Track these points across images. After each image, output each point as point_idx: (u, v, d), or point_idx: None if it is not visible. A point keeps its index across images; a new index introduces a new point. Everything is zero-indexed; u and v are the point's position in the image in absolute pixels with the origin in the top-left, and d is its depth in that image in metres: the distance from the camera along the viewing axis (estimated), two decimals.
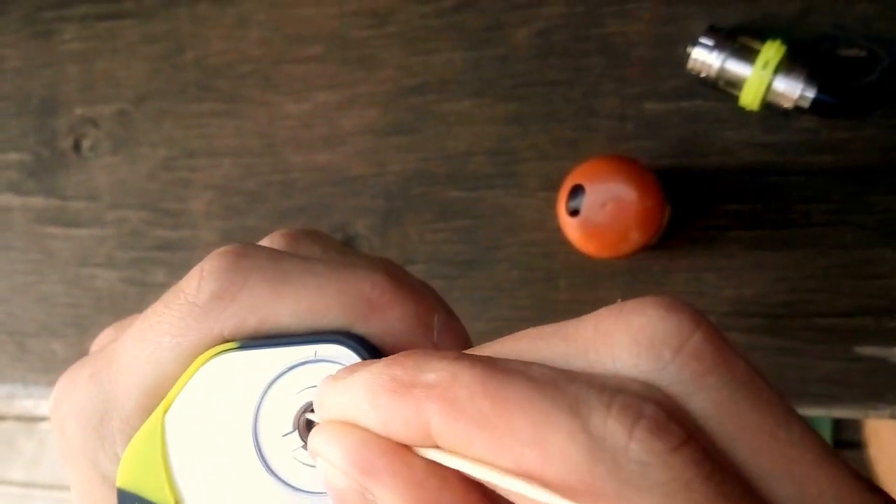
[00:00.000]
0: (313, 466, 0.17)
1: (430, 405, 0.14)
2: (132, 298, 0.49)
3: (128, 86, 0.50)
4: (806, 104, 0.38)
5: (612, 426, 0.13)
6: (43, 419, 1.41)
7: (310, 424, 0.17)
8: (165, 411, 0.18)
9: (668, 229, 0.40)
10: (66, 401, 0.20)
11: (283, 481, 0.17)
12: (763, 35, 0.39)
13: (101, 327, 0.51)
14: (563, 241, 0.39)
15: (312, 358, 0.17)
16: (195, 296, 0.18)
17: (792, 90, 0.38)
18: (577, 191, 0.36)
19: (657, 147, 0.42)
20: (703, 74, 0.39)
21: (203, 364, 0.18)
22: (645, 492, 0.13)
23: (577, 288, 0.44)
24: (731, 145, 0.41)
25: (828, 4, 0.40)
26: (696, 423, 0.14)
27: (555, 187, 0.40)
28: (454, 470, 0.15)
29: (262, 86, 0.47)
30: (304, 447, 0.17)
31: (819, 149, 0.40)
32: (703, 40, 0.39)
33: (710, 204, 0.42)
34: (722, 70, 0.39)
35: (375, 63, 0.46)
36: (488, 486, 0.14)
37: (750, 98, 0.38)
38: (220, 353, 0.18)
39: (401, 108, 0.46)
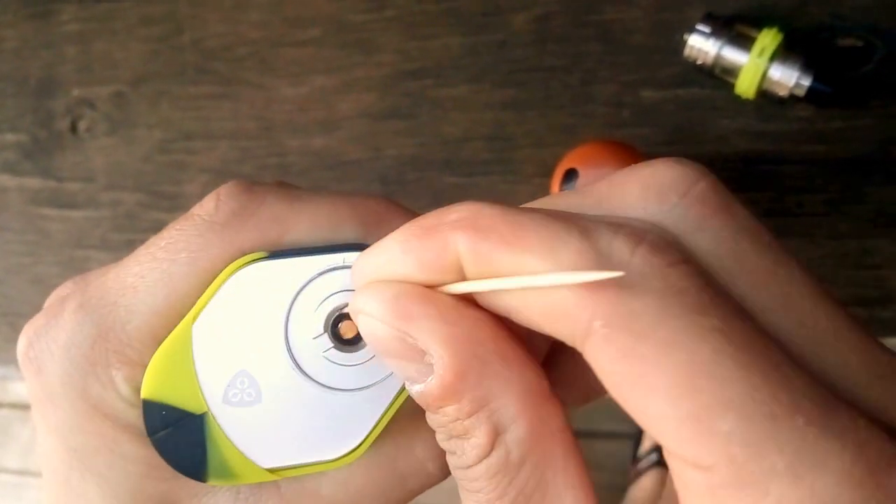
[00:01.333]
0: (344, 366, 0.18)
1: (456, 235, 0.15)
2: None
3: (125, 67, 0.50)
4: (801, 93, 0.38)
5: (617, 245, 0.14)
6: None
7: (338, 326, 0.18)
8: (193, 320, 0.18)
9: None
10: (44, 336, 0.19)
11: (315, 381, 0.18)
12: (760, 23, 0.39)
13: None
14: None
15: (340, 264, 0.18)
16: (214, 214, 0.19)
17: (788, 78, 0.38)
18: (570, 175, 0.36)
19: (653, 134, 0.42)
20: (699, 62, 0.39)
21: (232, 273, 0.18)
22: (642, 296, 0.14)
23: None
24: (727, 133, 0.41)
25: None
26: (698, 257, 0.15)
27: (551, 174, 0.40)
28: (484, 310, 0.16)
29: (259, 69, 0.47)
30: (335, 349, 0.18)
31: (814, 138, 0.40)
32: (699, 27, 0.39)
33: None
34: (718, 57, 0.39)
35: (373, 47, 0.46)
36: (513, 315, 0.16)
37: (746, 86, 0.38)
38: (249, 262, 0.18)
39: (398, 93, 0.45)
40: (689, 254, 0.15)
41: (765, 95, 0.39)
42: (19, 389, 1.41)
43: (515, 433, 0.16)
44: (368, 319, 0.16)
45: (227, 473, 0.17)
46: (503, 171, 0.44)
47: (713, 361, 0.13)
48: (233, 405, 0.18)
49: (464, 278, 0.16)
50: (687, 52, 0.39)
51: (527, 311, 0.15)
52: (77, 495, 0.19)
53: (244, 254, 0.18)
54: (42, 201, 0.51)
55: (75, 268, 0.51)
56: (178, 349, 0.18)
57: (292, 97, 0.47)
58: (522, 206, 0.17)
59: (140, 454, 0.18)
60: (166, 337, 0.18)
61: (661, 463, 1.10)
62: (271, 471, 0.18)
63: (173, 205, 0.49)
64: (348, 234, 0.19)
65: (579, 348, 0.14)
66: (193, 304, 0.18)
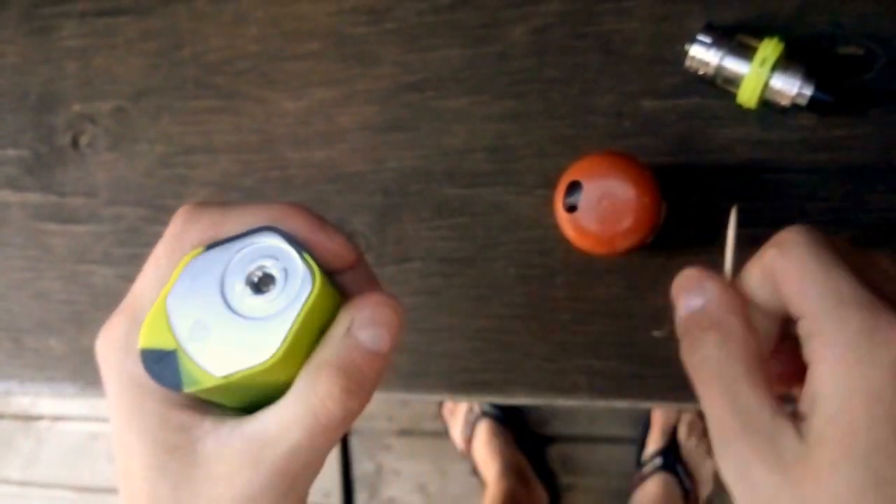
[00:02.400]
0: (259, 304, 0.26)
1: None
2: None
3: (126, 82, 0.50)
4: (803, 102, 0.38)
5: None
6: (40, 418, 1.41)
7: (259, 282, 0.26)
8: (166, 295, 0.26)
9: (666, 226, 0.40)
10: (103, 338, 0.28)
11: (242, 315, 0.26)
12: (761, 33, 0.39)
13: (99, 324, 0.51)
14: (561, 239, 0.39)
15: (251, 243, 0.27)
16: (172, 229, 0.28)
17: (789, 88, 0.38)
18: (574, 187, 0.36)
19: (655, 144, 0.42)
20: (700, 72, 0.39)
21: (186, 262, 0.27)
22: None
23: (575, 285, 0.44)
24: (729, 143, 0.41)
25: (825, 2, 0.40)
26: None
27: (552, 185, 0.40)
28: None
29: (259, 82, 0.47)
30: (252, 294, 0.26)
31: (816, 146, 0.40)
32: (700, 38, 0.39)
33: (707, 201, 0.42)
34: (720, 68, 0.39)
35: (373, 60, 0.46)
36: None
37: (747, 95, 0.38)
38: (196, 255, 0.27)
39: (398, 105, 0.46)
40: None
41: (766, 104, 0.39)
42: (22, 402, 1.41)
43: (735, 330, 0.27)
44: (685, 273, 0.29)
45: (194, 382, 0.26)
46: (505, 182, 0.44)
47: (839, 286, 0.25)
48: (193, 340, 0.26)
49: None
50: (688, 62, 0.39)
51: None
52: (124, 444, 0.28)
53: (194, 248, 0.27)
54: (44, 216, 0.51)
55: (78, 283, 0.51)
56: (159, 314, 0.26)
57: (293, 110, 0.47)
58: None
59: (157, 410, 0.27)
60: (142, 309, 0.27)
61: (664, 467, 1.10)
62: (224, 377, 0.25)
63: None
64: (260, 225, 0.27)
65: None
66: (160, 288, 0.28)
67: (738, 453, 0.25)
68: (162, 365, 0.26)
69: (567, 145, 0.43)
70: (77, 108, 0.51)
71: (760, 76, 0.38)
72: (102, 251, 0.50)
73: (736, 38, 0.39)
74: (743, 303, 0.27)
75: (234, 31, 0.47)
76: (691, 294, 0.28)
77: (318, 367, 0.26)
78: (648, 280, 0.42)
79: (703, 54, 0.39)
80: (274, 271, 0.26)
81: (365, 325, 0.27)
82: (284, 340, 0.26)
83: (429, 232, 0.46)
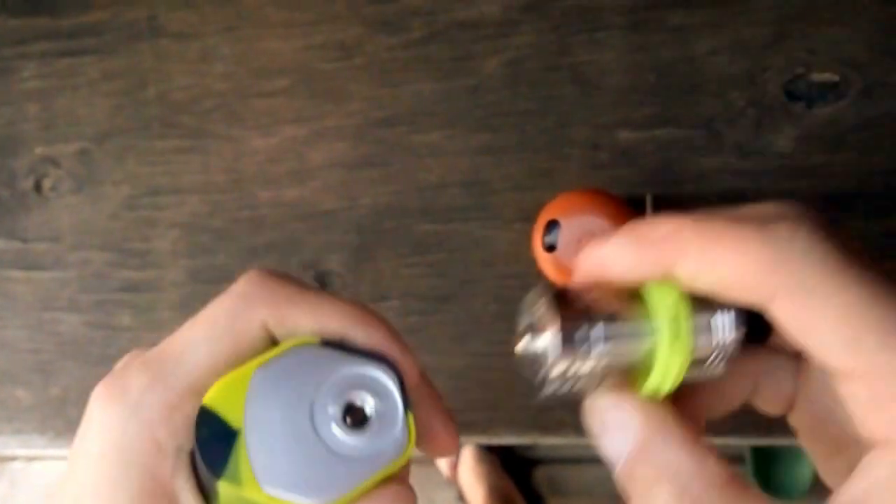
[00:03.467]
0: (344, 440, 0.23)
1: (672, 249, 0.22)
2: (97, 342, 0.48)
3: (89, 123, 0.48)
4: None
5: (784, 231, 0.21)
6: (13, 459, 1.38)
7: (349, 411, 0.23)
8: (258, 366, 0.23)
9: None
10: (110, 386, 0.24)
11: (323, 441, 0.23)
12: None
13: (66, 373, 0.50)
14: (541, 273, 0.38)
15: (366, 372, 0.24)
16: (240, 292, 0.24)
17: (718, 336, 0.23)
18: (552, 226, 0.35)
19: (632, 175, 0.41)
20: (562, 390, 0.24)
21: (295, 345, 0.24)
22: (806, 266, 0.20)
23: None
24: (706, 172, 0.41)
25: (800, 29, 0.39)
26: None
27: (530, 218, 0.39)
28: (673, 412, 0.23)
29: (227, 120, 0.46)
30: (342, 425, 0.23)
31: (794, 174, 0.40)
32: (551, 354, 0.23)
33: None
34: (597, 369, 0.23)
35: (343, 96, 0.45)
36: (717, 291, 0.21)
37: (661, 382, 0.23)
38: (307, 342, 0.24)
39: (370, 141, 0.45)
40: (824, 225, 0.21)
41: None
42: None
43: (698, 488, 0.21)
44: (596, 403, 0.23)
45: (234, 479, 0.22)
46: (482, 216, 0.44)
47: (858, 303, 0.19)
48: (259, 434, 0.23)
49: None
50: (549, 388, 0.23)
51: (726, 289, 0.21)
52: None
53: (264, 324, 0.24)
54: (7, 263, 0.49)
55: (44, 331, 0.49)
56: (240, 380, 0.23)
57: (262, 148, 0.46)
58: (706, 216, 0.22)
59: (146, 490, 0.23)
60: (202, 388, 0.23)
61: None
62: (268, 497, 0.22)
63: (143, 262, 0.47)
64: (335, 328, 0.24)
65: (766, 308, 0.21)
66: (225, 361, 0.24)
67: None
68: (213, 437, 0.23)
69: (543, 178, 0.43)
70: (39, 150, 0.49)
71: (682, 345, 0.22)
72: (68, 298, 0.48)
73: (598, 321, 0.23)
74: (677, 421, 0.22)
75: (200, 69, 0.46)
76: (613, 434, 0.23)
77: None
78: None
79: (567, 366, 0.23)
80: (372, 413, 0.23)
81: None
82: (348, 492, 0.23)
83: (405, 269, 0.44)
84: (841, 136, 0.39)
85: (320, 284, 0.45)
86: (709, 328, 0.23)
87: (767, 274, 0.20)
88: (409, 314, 0.44)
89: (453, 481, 1.23)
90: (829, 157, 0.39)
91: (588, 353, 0.22)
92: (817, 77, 0.39)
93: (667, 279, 0.22)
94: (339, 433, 0.23)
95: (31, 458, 1.38)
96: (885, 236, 0.39)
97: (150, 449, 0.23)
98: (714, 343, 0.23)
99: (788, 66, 0.40)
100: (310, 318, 0.24)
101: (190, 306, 0.46)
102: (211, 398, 0.23)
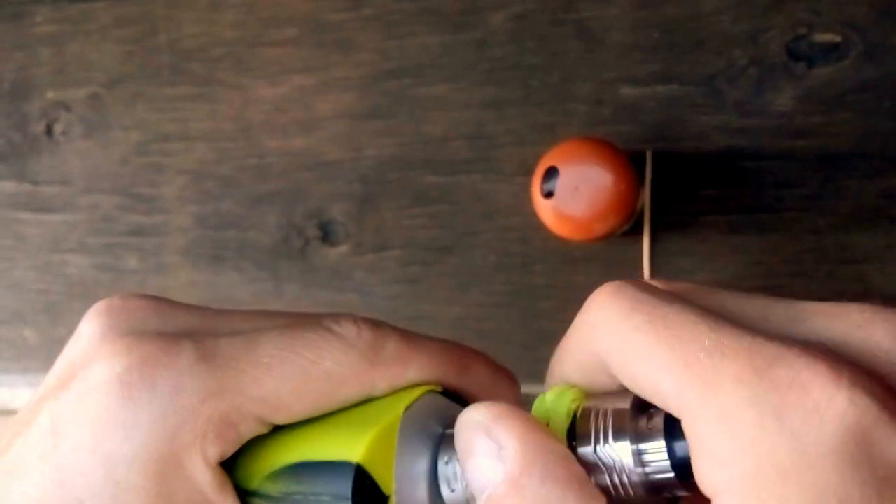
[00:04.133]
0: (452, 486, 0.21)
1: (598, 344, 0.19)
2: (104, 285, 0.49)
3: (100, 69, 0.49)
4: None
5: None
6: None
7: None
8: (405, 409, 0.21)
9: (644, 213, 0.40)
10: (154, 367, 0.20)
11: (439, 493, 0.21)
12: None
13: (73, 314, 0.51)
14: (540, 227, 0.39)
15: None
16: (356, 339, 0.21)
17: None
18: (551, 172, 0.36)
19: (633, 131, 0.42)
20: None
21: (426, 391, 0.22)
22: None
23: (554, 273, 0.43)
24: (706, 130, 0.41)
25: None
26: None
27: (531, 172, 0.40)
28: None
29: (236, 69, 0.47)
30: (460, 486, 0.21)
31: (794, 133, 0.40)
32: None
33: (685, 188, 0.42)
34: None
35: (351, 46, 0.45)
36: (630, 387, 0.18)
37: None
38: (432, 390, 0.22)
39: (377, 93, 0.45)
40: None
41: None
42: (1, 396, 1.39)
43: None
44: (467, 417, 0.19)
45: None
46: (484, 169, 0.44)
47: (643, 345, 0.17)
48: (405, 499, 0.20)
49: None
50: None
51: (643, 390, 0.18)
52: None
53: (373, 382, 0.21)
54: (18, 205, 0.50)
55: (52, 272, 0.50)
56: (386, 436, 0.20)
57: (270, 97, 0.46)
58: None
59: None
60: (268, 417, 0.21)
61: None
62: None
63: (151, 207, 0.48)
64: (449, 377, 0.23)
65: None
66: (308, 407, 0.21)
67: None
68: (365, 498, 0.20)
69: (546, 133, 0.43)
70: (51, 95, 0.50)
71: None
72: (77, 240, 0.49)
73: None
74: (563, 454, 0.18)
75: (210, 17, 0.47)
76: (480, 457, 0.19)
77: None
78: (627, 267, 0.42)
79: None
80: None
81: None
82: None
83: (408, 220, 0.45)
84: (841, 96, 0.40)
85: (324, 233, 0.46)
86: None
87: (586, 347, 0.20)
88: (410, 264, 0.45)
89: None
90: (829, 118, 0.40)
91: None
92: (819, 38, 0.40)
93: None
94: (452, 497, 0.21)
95: None
96: (882, 197, 0.40)
97: (199, 467, 0.20)
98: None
99: (791, 26, 0.40)
100: (417, 374, 0.22)
101: (196, 252, 0.47)
102: (365, 458, 0.20)
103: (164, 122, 0.48)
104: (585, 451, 0.19)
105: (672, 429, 0.18)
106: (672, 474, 0.18)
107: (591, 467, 0.19)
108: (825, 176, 0.40)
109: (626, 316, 0.18)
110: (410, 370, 0.22)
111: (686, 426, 0.17)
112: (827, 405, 0.15)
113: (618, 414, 0.19)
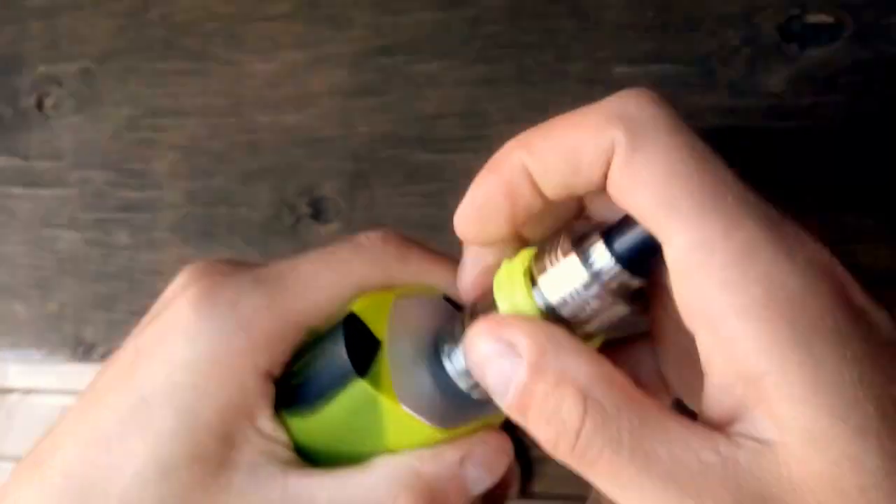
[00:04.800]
0: (467, 379, 0.24)
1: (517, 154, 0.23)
2: (95, 260, 0.49)
3: (92, 43, 0.49)
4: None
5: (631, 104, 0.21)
6: (11, 391, 1.39)
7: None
8: (397, 295, 0.25)
9: None
10: (224, 286, 0.23)
11: (449, 382, 0.24)
12: None
13: (64, 289, 0.50)
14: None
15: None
16: (381, 253, 0.25)
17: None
18: None
19: None
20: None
21: (422, 290, 0.26)
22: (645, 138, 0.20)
23: None
24: (699, 110, 0.41)
25: None
26: None
27: None
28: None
29: (228, 44, 0.46)
30: (467, 373, 0.24)
31: (784, 114, 0.40)
32: None
33: None
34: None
35: (344, 22, 0.45)
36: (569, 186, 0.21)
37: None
38: (432, 291, 0.26)
39: (370, 69, 0.45)
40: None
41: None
42: None
43: (600, 390, 0.19)
44: (476, 339, 0.21)
45: (376, 385, 0.23)
46: (477, 147, 0.44)
47: (681, 164, 0.19)
48: (397, 353, 0.23)
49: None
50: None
51: (576, 168, 0.21)
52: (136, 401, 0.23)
53: (391, 281, 0.25)
54: (8, 180, 0.50)
55: (43, 247, 0.50)
56: (381, 302, 0.24)
57: (263, 73, 0.46)
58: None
59: (224, 395, 0.23)
60: (311, 325, 0.24)
61: None
62: (402, 407, 0.23)
63: (143, 183, 0.48)
64: (440, 281, 0.26)
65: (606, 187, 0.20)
66: (340, 306, 0.24)
67: None
68: (359, 341, 0.23)
69: (540, 111, 0.43)
70: (42, 69, 0.50)
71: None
72: (68, 215, 0.49)
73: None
74: (564, 332, 0.21)
75: None
76: (498, 361, 0.21)
77: (411, 476, 0.23)
78: None
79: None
80: None
81: (478, 465, 0.24)
82: (462, 427, 0.24)
83: (400, 198, 0.45)
84: (833, 77, 0.40)
85: (315, 210, 0.46)
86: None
87: (605, 128, 0.20)
88: None
89: None
90: (820, 99, 0.40)
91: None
92: (812, 18, 0.40)
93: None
94: (461, 378, 0.24)
95: (27, 391, 1.40)
96: (872, 178, 0.40)
97: (249, 371, 0.23)
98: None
99: (784, 7, 0.40)
100: (429, 273, 0.26)
101: (187, 227, 0.47)
102: (358, 307, 0.24)
103: (156, 97, 0.48)
104: (550, 293, 0.21)
105: (609, 232, 0.21)
106: (619, 266, 0.21)
107: (565, 306, 0.21)
108: (815, 156, 0.40)
109: (674, 129, 0.19)
110: (430, 275, 0.26)
111: (685, 252, 0.19)
112: (819, 256, 0.19)
113: (562, 243, 0.22)
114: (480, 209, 0.23)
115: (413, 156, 0.45)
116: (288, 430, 0.24)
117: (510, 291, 0.22)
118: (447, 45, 0.44)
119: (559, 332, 0.20)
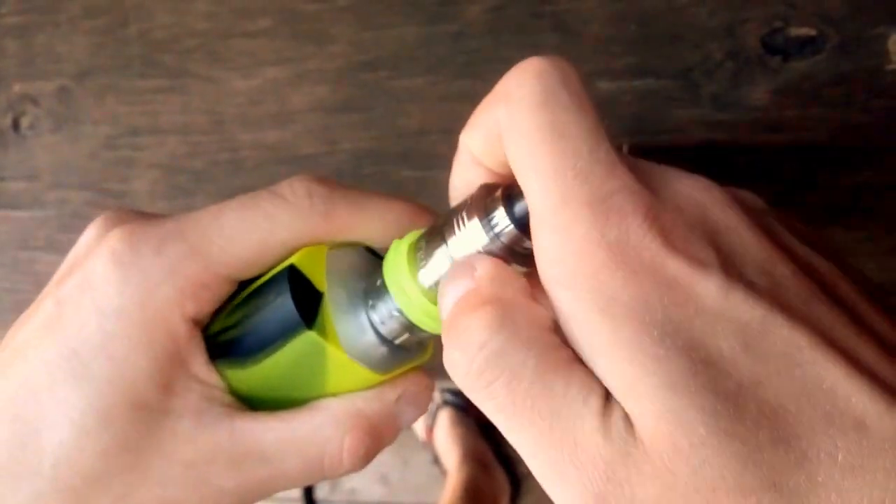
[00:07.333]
0: (387, 337, 0.25)
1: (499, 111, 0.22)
2: None
3: (69, 61, 0.48)
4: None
5: None
6: None
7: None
8: (329, 249, 0.25)
9: None
10: (140, 234, 0.23)
11: (377, 330, 0.25)
12: None
13: None
14: None
15: None
16: (306, 201, 0.24)
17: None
18: None
19: (609, 125, 0.42)
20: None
21: (347, 245, 0.26)
22: None
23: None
24: (683, 124, 0.41)
25: None
26: None
27: None
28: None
29: (208, 61, 0.46)
30: (392, 319, 0.25)
31: (769, 127, 0.40)
32: None
33: None
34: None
35: (326, 38, 0.45)
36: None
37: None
38: (356, 245, 0.26)
39: (352, 85, 0.45)
40: None
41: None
42: None
43: (518, 319, 0.20)
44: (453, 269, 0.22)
45: (323, 334, 0.23)
46: None
47: (537, 143, 0.20)
48: (336, 303, 0.24)
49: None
50: None
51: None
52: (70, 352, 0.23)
53: (322, 240, 0.25)
54: None
55: (20, 270, 0.49)
56: (317, 255, 0.24)
57: (243, 90, 0.46)
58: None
59: (162, 347, 0.23)
60: (235, 276, 0.25)
61: None
62: (346, 355, 0.24)
63: (121, 203, 0.47)
64: (363, 237, 0.26)
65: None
66: (269, 264, 0.25)
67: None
68: (303, 292, 0.24)
69: None
70: (18, 88, 0.49)
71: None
72: (46, 237, 0.48)
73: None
74: (520, 278, 0.22)
75: (182, 7, 0.46)
76: (457, 281, 0.21)
77: (356, 416, 0.24)
78: None
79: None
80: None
81: (410, 403, 0.26)
82: (392, 371, 0.25)
83: None
84: (816, 90, 0.40)
85: None
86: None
87: (493, 107, 0.22)
88: None
89: (429, 444, 1.25)
90: (804, 111, 0.40)
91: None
92: (795, 31, 0.40)
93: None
94: (385, 327, 0.25)
95: None
96: (857, 189, 0.40)
97: (178, 318, 0.23)
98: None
99: (767, 20, 0.40)
100: (356, 229, 0.25)
101: None
102: (298, 261, 0.24)
103: (135, 115, 0.47)
104: (457, 254, 0.23)
105: (510, 200, 0.22)
106: (514, 227, 0.22)
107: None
108: (799, 169, 0.40)
109: (536, 107, 0.20)
110: (357, 231, 0.25)
111: (533, 229, 0.20)
112: (628, 227, 0.19)
113: (468, 206, 0.23)
114: (456, 189, 0.25)
115: (397, 172, 0.44)
116: (223, 378, 0.25)
117: (395, 267, 0.24)
118: (430, 60, 0.44)
119: (514, 275, 0.22)
